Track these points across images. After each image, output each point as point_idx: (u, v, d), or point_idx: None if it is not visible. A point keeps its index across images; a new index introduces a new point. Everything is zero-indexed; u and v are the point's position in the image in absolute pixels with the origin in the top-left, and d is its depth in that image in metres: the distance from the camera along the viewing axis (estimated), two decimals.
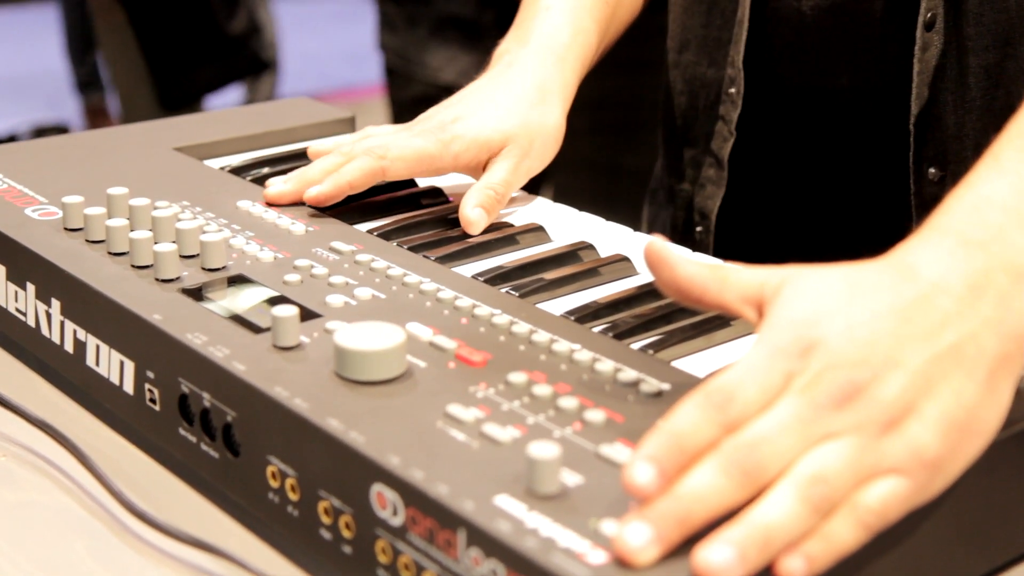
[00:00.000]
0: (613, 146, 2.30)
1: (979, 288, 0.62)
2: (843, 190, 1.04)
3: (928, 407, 0.59)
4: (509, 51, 1.06)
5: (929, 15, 0.93)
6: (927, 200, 0.95)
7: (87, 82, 4.28)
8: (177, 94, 3.05)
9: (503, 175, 0.98)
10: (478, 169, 1.00)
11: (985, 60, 0.93)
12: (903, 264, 0.64)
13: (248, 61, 3.16)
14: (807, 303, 0.62)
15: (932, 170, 0.95)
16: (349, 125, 1.20)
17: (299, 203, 0.97)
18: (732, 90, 1.04)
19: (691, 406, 0.59)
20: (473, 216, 0.94)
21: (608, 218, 0.98)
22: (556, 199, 1.03)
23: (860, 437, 0.58)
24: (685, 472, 0.58)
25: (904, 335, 0.60)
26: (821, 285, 0.63)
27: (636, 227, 0.98)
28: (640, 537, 0.56)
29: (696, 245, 1.09)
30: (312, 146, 1.06)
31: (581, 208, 1.01)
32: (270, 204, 0.97)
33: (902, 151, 0.97)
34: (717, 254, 1.06)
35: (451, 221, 0.96)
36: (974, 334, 0.61)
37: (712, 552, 0.54)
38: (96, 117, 4.26)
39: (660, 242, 0.66)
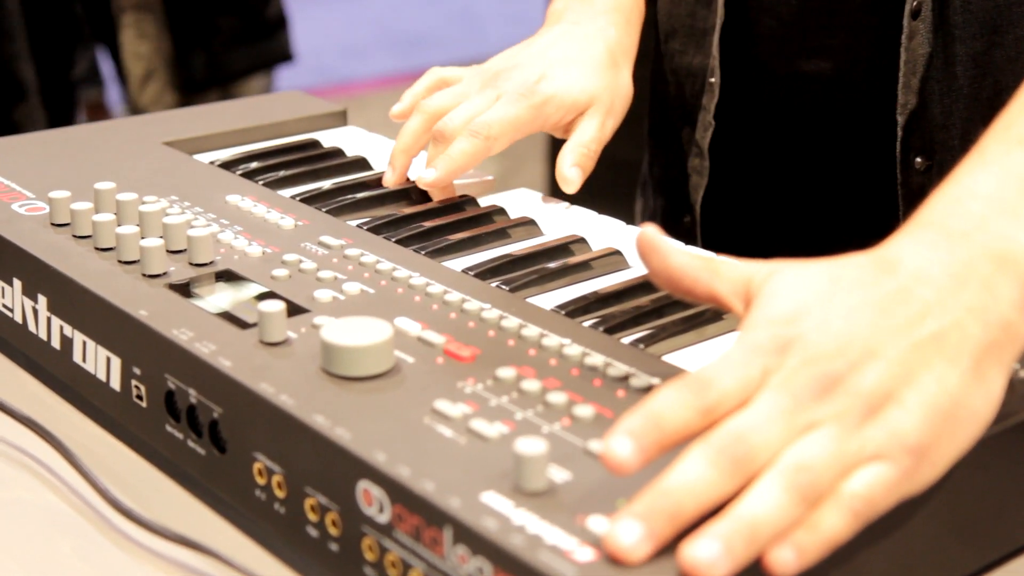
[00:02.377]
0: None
1: (962, 277, 0.61)
2: (829, 179, 1.04)
3: (908, 394, 0.58)
4: (572, 9, 1.07)
5: (915, 3, 0.93)
6: (914, 190, 0.95)
7: (85, 77, 4.27)
8: (204, 77, 3.03)
9: (594, 133, 1.01)
10: (562, 128, 1.02)
11: (972, 48, 0.92)
12: (884, 258, 0.63)
13: (278, 51, 3.15)
14: (786, 301, 0.61)
15: (919, 159, 0.95)
16: (341, 119, 1.20)
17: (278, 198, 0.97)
18: (712, 79, 1.04)
19: (668, 390, 0.59)
20: (572, 175, 0.98)
21: (604, 211, 0.98)
22: (550, 192, 1.02)
23: (840, 425, 0.57)
24: (661, 452, 0.57)
25: (882, 326, 0.60)
26: (801, 282, 0.62)
27: (631, 220, 0.97)
28: (632, 535, 0.55)
29: (683, 236, 1.08)
30: (396, 109, 1.07)
31: (576, 201, 1.00)
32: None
33: (888, 140, 0.96)
34: (704, 245, 1.06)
35: (441, 215, 0.96)
36: (957, 322, 0.60)
37: (698, 548, 0.54)
38: (94, 112, 4.25)
39: (652, 231, 0.65)
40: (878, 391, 0.58)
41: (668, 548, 0.55)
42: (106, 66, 3.59)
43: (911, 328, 0.60)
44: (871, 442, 0.57)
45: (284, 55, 3.17)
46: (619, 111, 1.04)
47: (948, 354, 0.60)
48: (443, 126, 0.99)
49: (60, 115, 2.91)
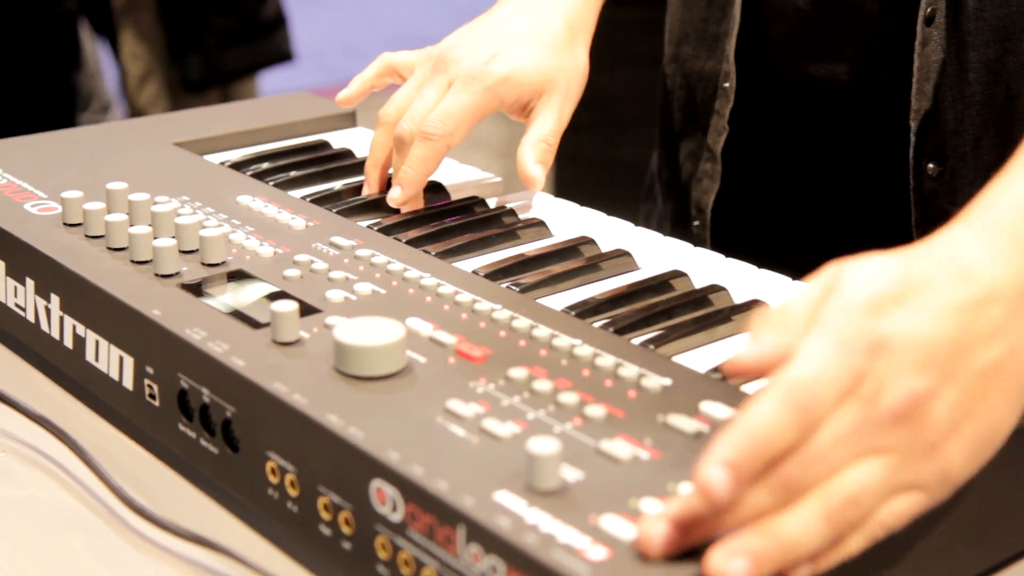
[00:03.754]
0: (614, 141, 2.30)
1: None
2: (841, 184, 1.04)
3: (967, 427, 0.59)
4: None
5: (929, 10, 0.93)
6: (926, 195, 0.95)
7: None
8: (200, 77, 3.04)
9: (552, 125, 0.99)
10: (519, 108, 1.01)
11: (985, 55, 0.93)
12: (957, 261, 0.62)
13: (275, 50, 3.15)
14: (868, 287, 0.60)
15: (931, 165, 0.95)
16: (350, 120, 1.20)
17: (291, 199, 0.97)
18: (726, 84, 1.04)
19: (774, 406, 0.56)
20: (536, 173, 0.97)
21: (610, 213, 0.98)
22: (557, 194, 1.03)
23: (903, 458, 0.58)
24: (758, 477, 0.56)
25: (962, 343, 0.59)
26: (878, 271, 0.60)
27: (635, 222, 0.98)
28: (661, 537, 0.55)
29: (693, 239, 1.09)
30: (342, 95, 1.06)
31: (582, 203, 1.01)
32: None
33: (901, 146, 0.97)
34: (714, 248, 1.06)
35: (451, 216, 0.96)
36: (1014, 349, 0.61)
37: (728, 562, 0.54)
38: None
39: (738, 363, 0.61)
40: (947, 423, 0.58)
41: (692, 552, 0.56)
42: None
43: (983, 349, 0.60)
44: (920, 477, 0.58)
45: (283, 55, 3.17)
46: (575, 93, 1.02)
47: (1003, 384, 0.60)
48: (401, 133, 0.98)
49: (61, 117, 2.92)
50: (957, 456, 0.59)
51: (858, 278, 0.60)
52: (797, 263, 0.91)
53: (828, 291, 0.61)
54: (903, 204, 0.97)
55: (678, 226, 1.13)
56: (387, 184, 1.01)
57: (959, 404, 0.59)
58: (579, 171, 2.41)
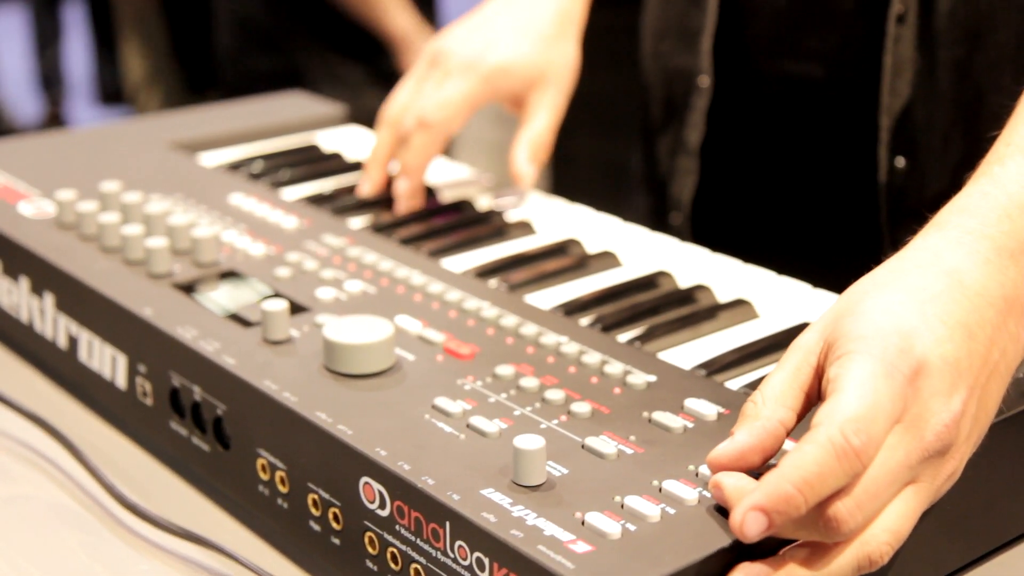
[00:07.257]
0: (610, 142, 2.30)
1: (1010, 301, 0.62)
2: (814, 179, 1.05)
3: (975, 433, 0.61)
4: None
5: (901, 8, 0.94)
6: (895, 190, 0.97)
7: (48, 77, 4.28)
8: (203, 79, 3.06)
9: (547, 121, 1.01)
10: (512, 101, 1.03)
11: (954, 53, 0.94)
12: (947, 269, 0.62)
13: None
14: (883, 313, 0.60)
15: (900, 161, 0.96)
16: (343, 119, 1.21)
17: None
18: (703, 80, 1.05)
19: (829, 456, 0.55)
20: (528, 171, 0.99)
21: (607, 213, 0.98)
22: (549, 190, 1.03)
23: (931, 480, 0.59)
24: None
25: (973, 352, 0.60)
26: (887, 297, 0.61)
27: (627, 219, 0.98)
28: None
29: (673, 233, 1.09)
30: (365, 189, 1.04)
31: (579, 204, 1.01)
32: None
33: (871, 141, 0.98)
34: (694, 242, 1.07)
35: (441, 215, 0.97)
36: (1004, 351, 0.62)
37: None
38: (52, 115, 4.24)
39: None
40: (964, 436, 0.60)
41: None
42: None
43: (987, 356, 0.61)
44: (940, 490, 0.60)
45: None
46: (567, 87, 1.04)
47: (998, 386, 0.62)
48: (404, 127, 0.99)
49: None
50: (964, 460, 0.61)
51: (877, 306, 0.60)
52: (772, 255, 0.92)
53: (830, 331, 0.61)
54: (873, 199, 0.99)
55: (658, 220, 1.14)
56: (387, 182, 1.02)
57: (975, 415, 0.60)
58: (575, 172, 2.42)
